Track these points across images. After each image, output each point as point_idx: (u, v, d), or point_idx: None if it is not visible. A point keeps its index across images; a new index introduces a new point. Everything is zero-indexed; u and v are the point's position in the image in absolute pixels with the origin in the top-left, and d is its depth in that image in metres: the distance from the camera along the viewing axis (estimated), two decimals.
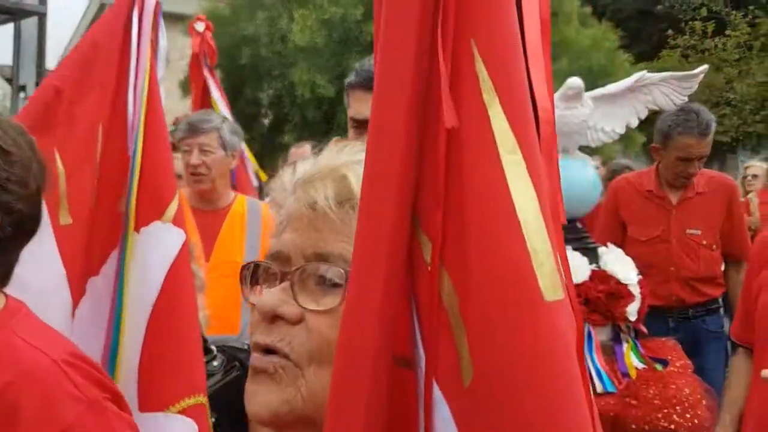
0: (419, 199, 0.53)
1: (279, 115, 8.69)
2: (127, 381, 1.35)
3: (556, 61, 7.56)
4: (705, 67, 2.50)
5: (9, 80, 8.99)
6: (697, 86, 2.41)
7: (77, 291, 1.36)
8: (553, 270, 0.50)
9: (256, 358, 0.72)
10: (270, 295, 0.74)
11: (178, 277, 1.35)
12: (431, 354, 0.52)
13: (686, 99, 2.50)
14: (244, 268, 0.81)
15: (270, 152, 9.21)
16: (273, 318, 0.72)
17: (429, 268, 0.52)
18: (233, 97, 8.36)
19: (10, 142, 0.97)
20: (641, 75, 2.42)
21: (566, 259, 0.57)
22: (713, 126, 2.80)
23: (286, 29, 7.43)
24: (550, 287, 0.50)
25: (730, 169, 15.34)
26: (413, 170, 0.52)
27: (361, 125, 1.52)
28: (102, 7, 13.46)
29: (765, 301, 1.53)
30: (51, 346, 0.96)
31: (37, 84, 9.03)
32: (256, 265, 0.80)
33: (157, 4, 1.47)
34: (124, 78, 1.41)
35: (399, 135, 0.52)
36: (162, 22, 1.52)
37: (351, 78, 1.56)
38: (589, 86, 7.24)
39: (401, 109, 0.52)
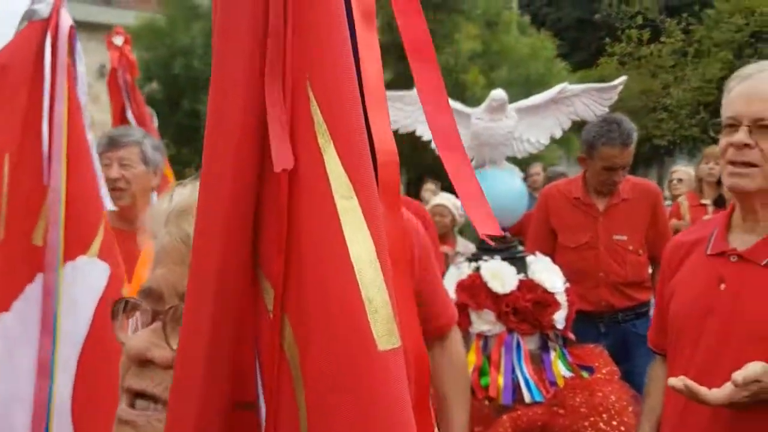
0: (261, 245, 0.52)
1: None
2: (60, 418, 1.32)
3: (496, 69, 7.70)
4: (624, 78, 2.57)
5: None
6: (616, 97, 2.47)
7: None
8: (388, 318, 0.50)
9: (123, 411, 0.69)
10: (138, 338, 0.71)
11: (108, 311, 1.30)
12: (271, 406, 0.51)
13: (607, 109, 2.56)
14: (116, 303, 0.77)
15: None
16: (143, 362, 0.69)
17: (271, 315, 0.51)
18: (171, 110, 8.22)
19: None
20: (563, 87, 2.46)
21: (411, 299, 0.56)
22: (634, 135, 2.87)
23: None
24: (385, 336, 0.49)
25: (667, 171, 15.88)
26: (245, 215, 0.51)
27: None
28: None
29: (675, 309, 1.56)
30: None
31: None
32: (127, 302, 0.77)
33: (72, 29, 1.41)
34: (37, 106, 1.35)
35: (226, 179, 0.50)
36: (79, 47, 1.46)
37: None
38: (528, 94, 7.39)
39: (229, 151, 0.50)
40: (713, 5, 15.43)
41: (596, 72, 15.83)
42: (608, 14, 16.23)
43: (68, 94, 1.34)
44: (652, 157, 15.65)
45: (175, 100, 7.98)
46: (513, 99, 2.55)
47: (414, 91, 2.47)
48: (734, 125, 1.43)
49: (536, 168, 6.47)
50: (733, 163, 1.43)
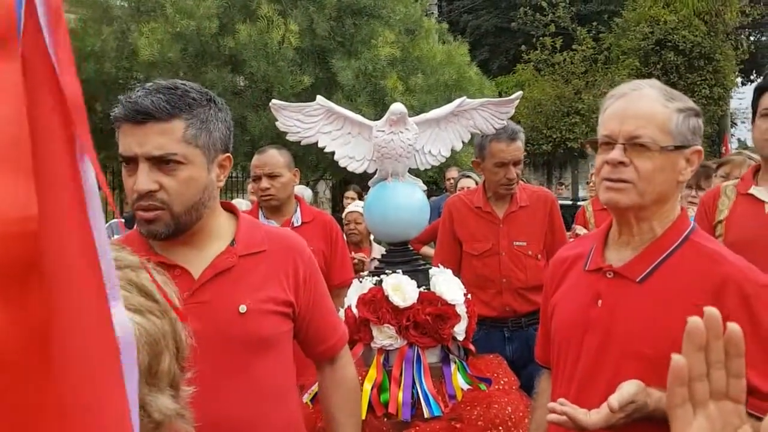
0: None
1: None
2: None
3: (413, 76, 7.75)
4: (519, 93, 2.62)
5: None
6: (513, 111, 2.52)
7: None
8: None
9: None
10: None
11: None
12: None
13: (505, 122, 2.61)
14: None
15: None
16: None
17: None
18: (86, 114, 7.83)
19: None
20: (461, 101, 2.49)
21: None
22: (521, 135, 2.98)
23: (136, 44, 7.08)
24: None
25: (582, 172, 16.53)
26: None
27: (131, 162, 1.40)
28: None
29: (557, 325, 1.59)
30: None
31: None
32: None
33: None
34: None
35: None
36: None
37: (116, 110, 1.41)
38: (443, 100, 7.48)
39: None
40: (621, 14, 16.19)
41: (513, 78, 16.35)
42: (524, 22, 16.75)
43: None
44: (566, 159, 16.24)
45: (87, 104, 7.61)
46: (431, 105, 2.56)
47: (315, 103, 2.44)
48: (609, 143, 1.47)
49: (453, 172, 6.59)
50: (608, 179, 1.47)
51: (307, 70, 7.58)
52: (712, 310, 0.74)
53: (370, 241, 4.90)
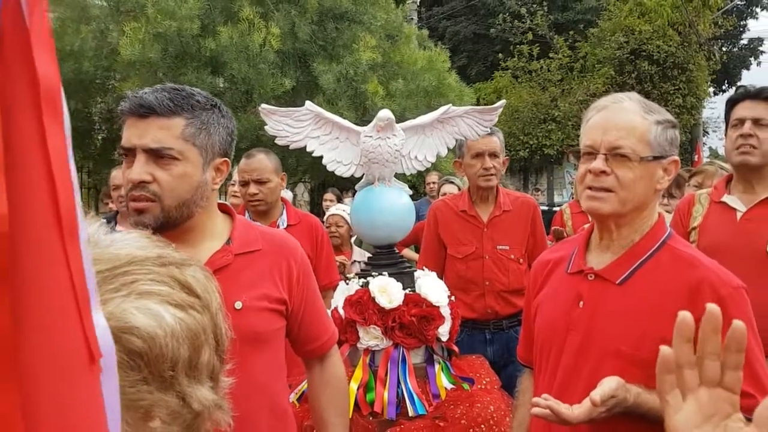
0: None
1: (112, 131, 8.21)
2: None
3: (393, 81, 7.82)
4: (503, 102, 2.69)
5: None
6: (496, 119, 2.59)
7: None
8: None
9: None
10: None
11: None
12: None
13: (488, 130, 2.68)
14: None
15: (106, 170, 8.68)
16: None
17: None
18: None
19: None
20: (447, 108, 2.56)
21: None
22: (499, 133, 3.07)
23: (115, 43, 7.05)
24: None
25: (556, 178, 16.77)
26: None
27: (129, 154, 1.46)
28: None
29: (539, 325, 1.65)
30: None
31: None
32: None
33: None
34: None
35: None
36: None
37: (123, 104, 1.45)
38: (423, 105, 7.53)
39: None
40: (597, 24, 16.46)
41: (492, 84, 16.53)
42: (503, 29, 16.95)
43: None
44: (542, 164, 16.45)
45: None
46: (411, 110, 2.62)
47: (304, 108, 2.49)
48: (592, 153, 1.54)
49: (433, 176, 6.68)
50: (591, 188, 1.54)
51: (288, 73, 7.60)
52: (713, 308, 0.81)
53: (350, 244, 4.95)
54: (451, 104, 2.56)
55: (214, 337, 0.75)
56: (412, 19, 13.00)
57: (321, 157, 2.57)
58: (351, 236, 4.93)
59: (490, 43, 18.39)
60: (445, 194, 4.84)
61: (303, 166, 8.87)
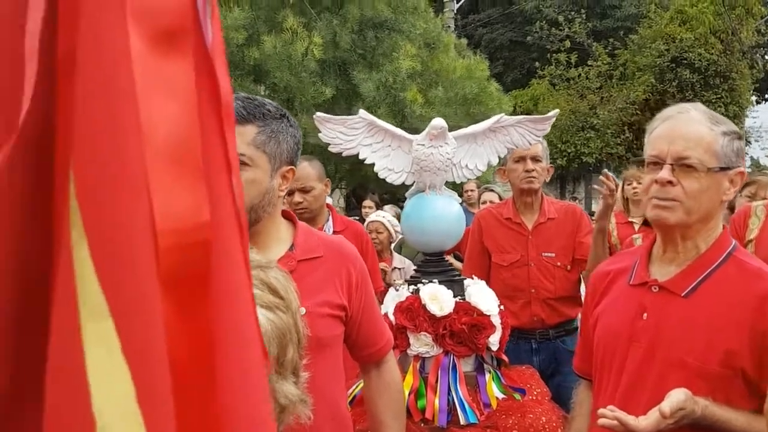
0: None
1: None
2: None
3: (433, 88, 7.85)
4: (556, 111, 2.69)
5: None
6: (549, 128, 2.59)
7: None
8: None
9: None
10: None
11: None
12: None
13: (541, 138, 2.68)
14: None
15: None
16: None
17: None
18: None
19: None
20: (500, 117, 2.56)
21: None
22: (542, 140, 3.04)
23: None
24: None
25: (595, 186, 16.56)
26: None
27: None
28: None
29: (600, 336, 1.64)
30: None
31: None
32: None
33: None
34: None
35: None
36: None
37: None
38: (462, 113, 7.52)
39: None
40: (637, 31, 16.25)
41: (529, 92, 16.43)
42: (540, 37, 16.84)
43: None
44: (579, 173, 16.27)
45: None
46: (450, 117, 2.63)
47: (357, 117, 2.52)
48: (658, 163, 1.53)
49: (471, 185, 6.69)
50: (657, 198, 1.53)
51: (328, 81, 7.69)
52: None
53: (390, 250, 4.96)
54: (492, 113, 2.57)
55: (296, 335, 0.77)
56: (449, 27, 13.02)
57: (358, 164, 2.60)
58: (391, 243, 4.95)
59: (526, 50, 18.30)
60: (485, 202, 4.83)
61: (340, 173, 8.94)
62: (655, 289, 1.55)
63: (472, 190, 6.65)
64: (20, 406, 0.38)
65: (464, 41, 9.71)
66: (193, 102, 0.37)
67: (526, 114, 2.71)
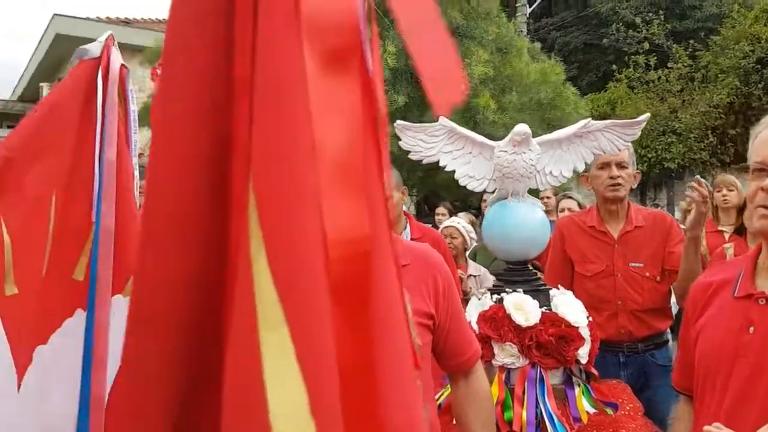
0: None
1: None
2: None
3: (507, 93, 7.74)
4: (647, 115, 2.59)
5: None
6: (639, 133, 2.50)
7: (23, 360, 1.32)
8: None
9: None
10: None
11: None
12: None
13: (629, 144, 2.58)
14: None
15: None
16: None
17: None
18: None
19: None
20: (587, 122, 2.49)
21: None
22: (629, 146, 2.92)
23: None
24: None
25: (677, 193, 15.89)
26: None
27: None
28: (58, 37, 13.21)
29: (703, 351, 1.56)
30: None
31: None
32: None
33: (122, 68, 1.43)
34: (85, 145, 1.36)
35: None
36: (131, 88, 1.47)
37: None
38: (538, 118, 7.39)
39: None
40: (719, 32, 15.54)
41: (606, 96, 15.96)
42: (616, 39, 16.36)
43: (119, 133, 1.36)
44: (661, 179, 15.65)
45: None
46: (526, 122, 2.58)
47: (438, 124, 2.50)
48: (764, 170, 1.45)
49: (547, 192, 6.53)
50: (764, 206, 1.45)
51: (400, 89, 7.70)
52: None
53: (465, 257, 4.91)
54: (569, 117, 2.49)
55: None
56: (521, 31, 12.83)
57: (431, 172, 2.58)
58: (465, 249, 4.89)
59: (602, 53, 17.80)
60: (563, 210, 4.70)
61: (412, 180, 8.93)
62: (762, 301, 1.47)
63: (549, 197, 6.51)
64: (197, 408, 0.39)
65: (538, 45, 9.53)
66: (358, 121, 0.39)
67: (603, 118, 2.61)
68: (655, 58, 15.41)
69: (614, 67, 16.00)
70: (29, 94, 17.05)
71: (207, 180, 0.39)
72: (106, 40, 1.38)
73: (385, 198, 0.41)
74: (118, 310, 1.33)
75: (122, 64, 1.40)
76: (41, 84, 15.52)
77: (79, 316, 1.36)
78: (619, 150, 2.55)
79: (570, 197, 4.98)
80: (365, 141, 0.39)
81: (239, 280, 0.36)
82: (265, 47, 0.36)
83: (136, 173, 1.43)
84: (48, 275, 1.34)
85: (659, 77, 15.26)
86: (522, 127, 2.37)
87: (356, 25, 0.39)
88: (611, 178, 2.93)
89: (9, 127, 14.33)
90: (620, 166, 2.94)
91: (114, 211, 1.33)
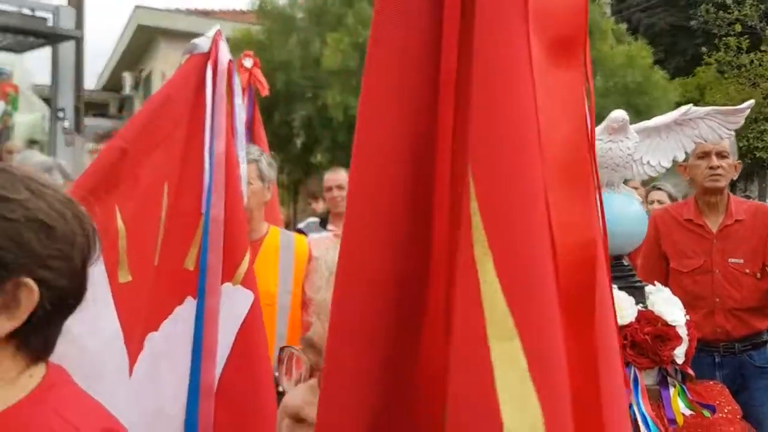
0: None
1: (311, 136, 8.76)
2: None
3: (593, 77, 7.51)
4: (751, 101, 2.44)
5: (47, 100, 9.28)
6: (743, 121, 2.36)
7: (135, 347, 1.37)
8: None
9: None
10: (296, 395, 0.73)
11: (248, 337, 1.37)
12: None
13: (732, 133, 2.44)
14: (282, 350, 0.80)
15: (304, 171, 9.36)
16: (298, 419, 0.70)
17: None
18: (265, 120, 8.46)
19: (55, 216, 0.87)
20: (687, 109, 2.36)
21: None
22: (731, 136, 2.77)
23: (318, 53, 7.50)
24: None
25: None
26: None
27: None
28: (140, 28, 13.76)
29: None
30: (86, 422, 0.92)
31: (75, 108, 9.28)
32: (292, 352, 0.80)
33: (230, 63, 1.46)
34: (196, 137, 1.40)
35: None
36: (237, 80, 1.51)
37: None
38: (625, 103, 7.14)
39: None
40: None
41: (694, 80, 15.20)
42: (705, 21, 15.52)
43: (227, 126, 1.40)
44: (753, 169, 14.81)
45: (268, 111, 8.22)
46: (609, 109, 2.46)
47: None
48: None
49: (634, 183, 6.30)
50: None
51: None
52: None
53: None
54: (657, 104, 2.37)
55: None
56: (605, 13, 12.37)
57: None
58: None
59: (690, 35, 16.94)
60: (652, 202, 4.51)
61: None
62: None
63: (636, 188, 6.26)
64: (390, 412, 0.38)
65: (623, 26, 9.16)
66: (582, 115, 0.36)
67: (691, 104, 2.48)
68: (748, 40, 14.53)
69: (703, 50, 15.18)
70: (112, 84, 17.84)
71: (409, 180, 0.38)
72: (215, 35, 1.41)
73: (597, 200, 0.38)
74: (228, 298, 1.37)
75: (230, 59, 1.43)
76: (124, 73, 16.21)
77: (189, 303, 1.40)
78: (722, 138, 2.42)
79: (660, 188, 4.77)
80: (588, 135, 0.36)
81: (461, 286, 0.34)
82: (485, 37, 0.34)
83: (243, 165, 1.46)
84: (160, 264, 1.39)
85: (751, 61, 14.38)
86: (619, 113, 2.27)
87: (585, 10, 0.36)
88: (711, 168, 2.79)
89: (94, 115, 15.05)
90: (721, 155, 2.79)
91: (223, 202, 1.36)
